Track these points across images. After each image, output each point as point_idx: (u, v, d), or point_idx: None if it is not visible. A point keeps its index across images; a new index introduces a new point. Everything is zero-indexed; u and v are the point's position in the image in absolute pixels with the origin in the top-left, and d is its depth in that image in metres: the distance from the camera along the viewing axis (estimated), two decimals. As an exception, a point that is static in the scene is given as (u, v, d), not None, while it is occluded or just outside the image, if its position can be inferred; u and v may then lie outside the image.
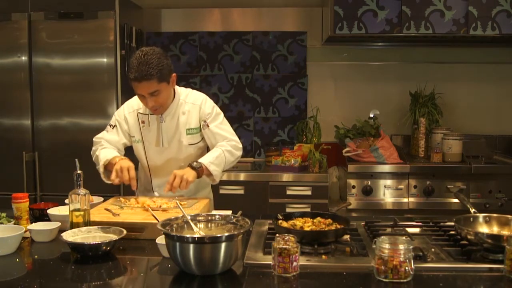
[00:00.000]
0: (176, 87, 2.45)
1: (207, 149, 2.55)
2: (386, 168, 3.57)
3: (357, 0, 3.60)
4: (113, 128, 2.47)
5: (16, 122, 3.68)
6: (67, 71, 3.62)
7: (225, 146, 2.43)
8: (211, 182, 2.47)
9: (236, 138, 2.50)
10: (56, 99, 3.65)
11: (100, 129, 2.54)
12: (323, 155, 3.74)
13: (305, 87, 4.26)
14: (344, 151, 3.70)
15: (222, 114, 2.52)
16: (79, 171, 1.96)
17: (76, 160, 2.00)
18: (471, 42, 3.97)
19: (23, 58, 3.63)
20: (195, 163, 2.32)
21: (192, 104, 2.45)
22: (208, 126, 2.44)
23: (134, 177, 2.26)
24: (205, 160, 2.35)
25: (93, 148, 2.49)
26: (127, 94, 3.54)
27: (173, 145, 2.45)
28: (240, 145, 2.50)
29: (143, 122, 2.44)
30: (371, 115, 3.96)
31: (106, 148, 2.42)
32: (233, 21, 4.30)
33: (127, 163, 2.28)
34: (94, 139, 2.51)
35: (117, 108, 3.52)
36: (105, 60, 3.59)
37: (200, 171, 2.32)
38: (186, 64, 4.29)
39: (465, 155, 3.67)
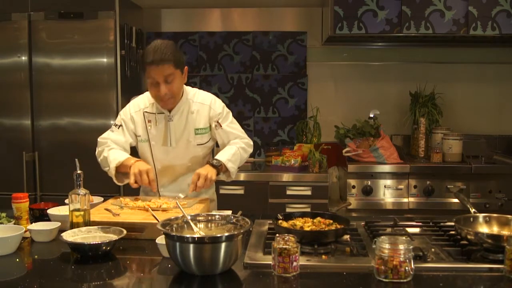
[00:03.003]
0: (184, 86, 2.44)
1: (214, 149, 2.55)
2: (386, 168, 3.57)
3: (357, 0, 3.60)
4: (118, 128, 2.43)
5: (16, 122, 3.68)
6: (67, 71, 3.62)
7: (239, 143, 2.45)
8: (225, 179, 2.47)
9: (246, 136, 2.53)
10: (56, 99, 3.65)
11: (100, 129, 2.52)
12: (323, 155, 3.74)
13: (305, 87, 4.26)
14: (344, 151, 3.70)
15: (231, 113, 2.53)
16: (79, 171, 1.96)
17: (76, 160, 2.00)
18: (471, 42, 3.97)
19: (23, 58, 3.63)
20: (215, 161, 2.33)
21: (201, 104, 2.44)
22: (221, 126, 2.44)
23: (154, 180, 2.25)
24: (223, 157, 2.36)
25: (99, 149, 2.43)
26: (127, 94, 3.56)
27: (181, 145, 2.43)
28: (251, 143, 2.54)
29: (149, 121, 2.42)
30: (371, 115, 3.96)
31: (114, 148, 2.38)
32: (233, 21, 4.30)
33: (144, 165, 2.26)
34: (99, 139, 2.45)
35: (117, 108, 3.53)
36: (105, 60, 3.59)
37: (220, 168, 2.34)
38: (186, 64, 4.26)
39: (465, 155, 3.67)
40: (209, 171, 2.27)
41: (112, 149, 2.37)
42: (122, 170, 2.31)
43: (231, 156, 2.38)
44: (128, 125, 2.44)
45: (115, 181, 2.35)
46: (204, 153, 2.49)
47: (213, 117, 2.44)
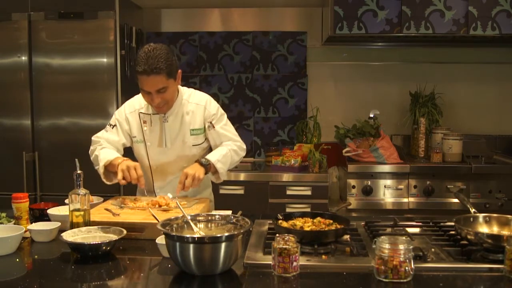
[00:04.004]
0: (179, 86, 2.43)
1: (209, 149, 2.54)
2: (386, 168, 3.57)
3: (357, 0, 3.60)
4: (112, 128, 2.44)
5: (16, 122, 3.68)
6: (67, 71, 3.62)
7: (231, 145, 2.44)
8: (214, 180, 2.46)
9: (240, 139, 2.51)
10: (56, 99, 3.65)
11: (100, 129, 2.52)
12: (323, 155, 3.74)
13: (305, 87, 4.26)
14: (344, 151, 3.69)
15: (225, 115, 2.51)
16: (79, 171, 1.96)
17: (76, 160, 2.00)
18: (471, 42, 3.97)
19: (23, 58, 3.63)
20: (203, 160, 2.31)
21: (196, 105, 2.44)
22: (213, 127, 2.43)
23: (142, 175, 2.24)
24: (212, 157, 2.34)
25: (92, 148, 2.45)
26: (127, 94, 3.54)
27: (176, 146, 2.43)
28: (244, 146, 2.52)
29: (144, 122, 2.42)
30: (371, 115, 3.96)
31: (106, 148, 2.39)
32: (233, 21, 4.30)
33: (132, 162, 2.26)
34: (93, 138, 2.47)
35: (117, 108, 3.52)
36: (105, 60, 3.59)
37: (209, 168, 2.32)
38: (186, 64, 4.29)
39: (465, 155, 3.67)
40: (196, 170, 2.26)
41: (103, 148, 2.38)
42: (111, 169, 2.31)
43: (221, 157, 2.36)
44: (122, 125, 2.44)
45: (103, 179, 2.34)
46: (200, 154, 2.48)
47: (207, 118, 2.43)
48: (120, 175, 2.21)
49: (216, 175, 2.40)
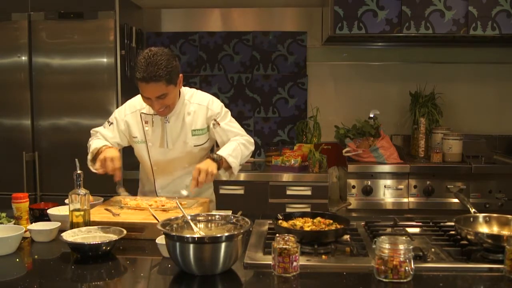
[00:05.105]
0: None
1: (212, 149, 2.54)
2: (386, 168, 3.57)
3: (357, 0, 3.60)
4: (109, 125, 2.45)
5: (16, 122, 3.68)
6: (67, 71, 3.62)
7: (239, 139, 2.42)
8: (227, 177, 2.43)
9: (246, 134, 2.50)
10: (56, 99, 3.65)
11: (100, 129, 2.53)
12: (323, 155, 3.73)
13: (305, 87, 4.26)
14: (344, 151, 3.69)
15: (229, 113, 2.51)
16: (79, 171, 1.96)
17: (76, 160, 2.00)
18: (471, 42, 3.97)
19: (23, 58, 3.64)
20: (215, 155, 2.30)
21: (198, 105, 2.43)
22: (219, 125, 2.41)
23: (118, 168, 2.21)
24: (223, 152, 2.32)
25: (89, 140, 2.48)
26: (127, 94, 3.55)
27: (177, 146, 2.42)
28: (252, 140, 2.50)
29: (146, 122, 2.41)
30: (371, 115, 3.95)
31: (100, 139, 2.41)
32: (233, 21, 4.30)
33: (111, 153, 2.23)
34: (91, 131, 2.51)
35: (117, 108, 3.53)
36: (105, 60, 3.59)
37: (221, 163, 2.30)
38: (186, 64, 4.29)
39: (465, 155, 3.67)
40: (209, 165, 2.23)
41: (97, 139, 2.41)
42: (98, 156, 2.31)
43: (232, 151, 2.34)
44: (119, 125, 2.44)
45: (89, 166, 2.33)
46: (202, 154, 2.48)
47: (211, 117, 2.42)
48: (97, 165, 2.22)
49: (229, 171, 2.38)
